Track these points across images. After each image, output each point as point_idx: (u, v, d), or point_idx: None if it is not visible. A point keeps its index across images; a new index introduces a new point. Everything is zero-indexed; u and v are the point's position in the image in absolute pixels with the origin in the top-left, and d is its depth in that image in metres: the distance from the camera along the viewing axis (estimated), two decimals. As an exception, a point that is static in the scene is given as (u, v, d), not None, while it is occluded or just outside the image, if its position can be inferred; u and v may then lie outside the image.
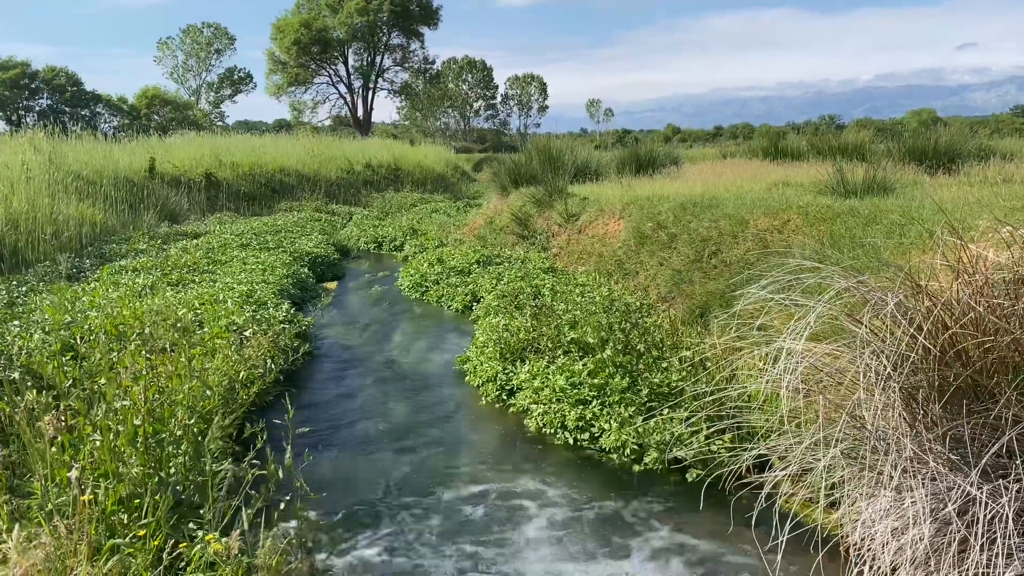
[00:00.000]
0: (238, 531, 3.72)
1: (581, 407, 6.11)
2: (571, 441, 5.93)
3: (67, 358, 5.99)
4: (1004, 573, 3.08)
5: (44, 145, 16.65)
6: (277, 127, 61.26)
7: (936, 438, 3.58)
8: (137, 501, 3.91)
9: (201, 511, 4.06)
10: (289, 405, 4.73)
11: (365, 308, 11.40)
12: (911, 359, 3.59)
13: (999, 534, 3.12)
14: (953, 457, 3.55)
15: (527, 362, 7.16)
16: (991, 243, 4.68)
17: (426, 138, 54.73)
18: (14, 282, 9.83)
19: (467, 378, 7.69)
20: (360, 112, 60.24)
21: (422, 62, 62.30)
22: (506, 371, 7.25)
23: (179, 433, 4.60)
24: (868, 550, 3.62)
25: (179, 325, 7.44)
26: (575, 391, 6.28)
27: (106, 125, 47.85)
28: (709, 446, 5.22)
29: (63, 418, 4.24)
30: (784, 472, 3.99)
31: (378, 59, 59.78)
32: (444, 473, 5.56)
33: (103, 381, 5.24)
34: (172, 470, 4.29)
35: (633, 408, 5.86)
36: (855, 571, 3.63)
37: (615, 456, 5.65)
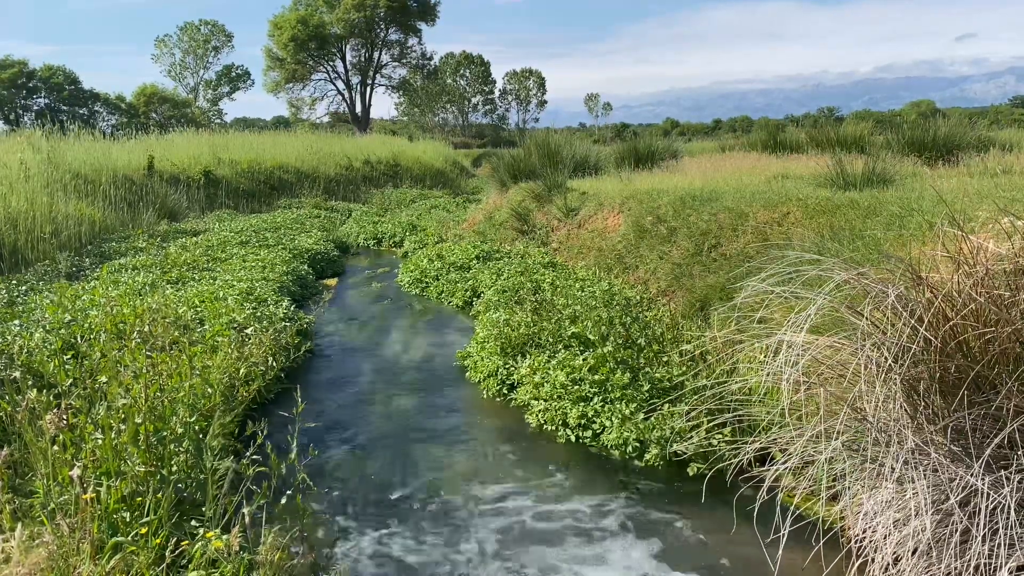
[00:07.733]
0: (239, 527, 3.71)
1: (582, 404, 6.10)
2: (573, 439, 5.93)
3: (68, 357, 5.99)
4: (1006, 563, 3.09)
5: (42, 144, 16.61)
6: (275, 124, 61.29)
7: (937, 429, 3.58)
8: (139, 499, 3.91)
9: (203, 508, 4.07)
10: (298, 397, 4.72)
11: (365, 304, 11.40)
12: (912, 351, 3.58)
13: (1001, 525, 3.12)
14: (955, 448, 3.55)
15: (528, 357, 7.16)
16: (991, 234, 4.67)
17: (425, 134, 54.55)
18: (14, 281, 9.82)
19: (468, 373, 7.69)
20: (358, 108, 60.19)
21: (420, 58, 62.26)
22: (507, 366, 7.25)
23: (180, 431, 4.60)
24: (870, 542, 3.63)
25: (179, 323, 7.43)
26: (576, 387, 6.28)
27: (104, 123, 47.78)
28: (710, 440, 5.22)
29: (64, 417, 4.24)
30: (785, 465, 3.99)
31: (376, 55, 59.71)
32: (445, 469, 5.57)
33: (104, 379, 5.24)
34: (174, 468, 4.30)
35: (635, 405, 5.85)
36: (857, 563, 3.64)
37: (617, 452, 5.66)
